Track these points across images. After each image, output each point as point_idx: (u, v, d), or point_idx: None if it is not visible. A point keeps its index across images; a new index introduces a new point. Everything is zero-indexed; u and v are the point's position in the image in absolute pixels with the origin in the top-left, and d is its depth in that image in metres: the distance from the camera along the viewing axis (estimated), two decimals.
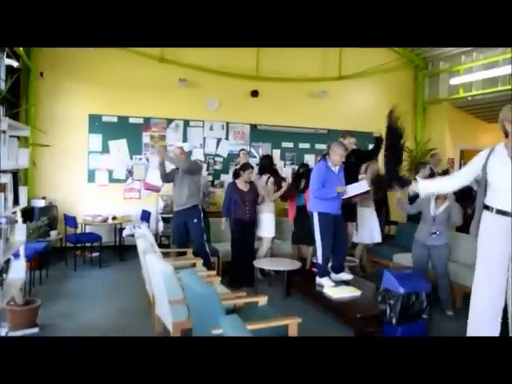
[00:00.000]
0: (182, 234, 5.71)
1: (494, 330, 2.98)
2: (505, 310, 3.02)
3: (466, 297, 4.93)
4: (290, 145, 8.93)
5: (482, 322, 3.01)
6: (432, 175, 6.24)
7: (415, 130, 9.64)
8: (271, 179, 5.98)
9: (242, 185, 5.72)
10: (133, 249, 5.28)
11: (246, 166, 5.79)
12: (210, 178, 8.34)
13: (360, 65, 8.89)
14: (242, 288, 5.24)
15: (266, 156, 6.69)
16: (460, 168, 9.47)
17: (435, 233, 4.74)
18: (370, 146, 6.16)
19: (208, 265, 5.32)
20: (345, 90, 9.07)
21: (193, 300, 3.12)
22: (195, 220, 5.63)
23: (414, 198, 5.10)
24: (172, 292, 3.45)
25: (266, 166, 6.22)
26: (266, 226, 5.94)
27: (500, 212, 2.86)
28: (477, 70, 8.09)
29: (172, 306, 3.46)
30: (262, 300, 3.63)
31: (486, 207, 2.96)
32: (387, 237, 7.22)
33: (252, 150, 8.59)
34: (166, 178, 5.81)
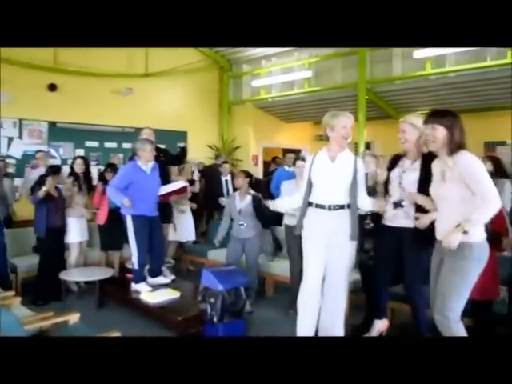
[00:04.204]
0: None
1: (315, 308, 3.35)
2: None
3: (276, 286, 5.36)
4: (95, 144, 8.36)
5: (308, 301, 3.35)
6: None
7: (221, 129, 9.99)
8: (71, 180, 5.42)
9: (52, 190, 5.06)
10: None
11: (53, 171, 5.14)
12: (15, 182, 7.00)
13: (167, 63, 8.79)
14: (48, 305, 4.72)
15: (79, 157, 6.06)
16: (264, 164, 10.26)
17: (243, 225, 4.92)
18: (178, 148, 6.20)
19: (6, 284, 4.60)
20: (152, 88, 8.87)
21: None
22: None
23: None
24: None
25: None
26: (73, 230, 5.38)
27: (319, 206, 3.27)
28: (275, 74, 8.74)
29: None
30: (73, 318, 3.25)
31: (310, 203, 3.34)
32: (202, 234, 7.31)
33: (51, 150, 7.79)
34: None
